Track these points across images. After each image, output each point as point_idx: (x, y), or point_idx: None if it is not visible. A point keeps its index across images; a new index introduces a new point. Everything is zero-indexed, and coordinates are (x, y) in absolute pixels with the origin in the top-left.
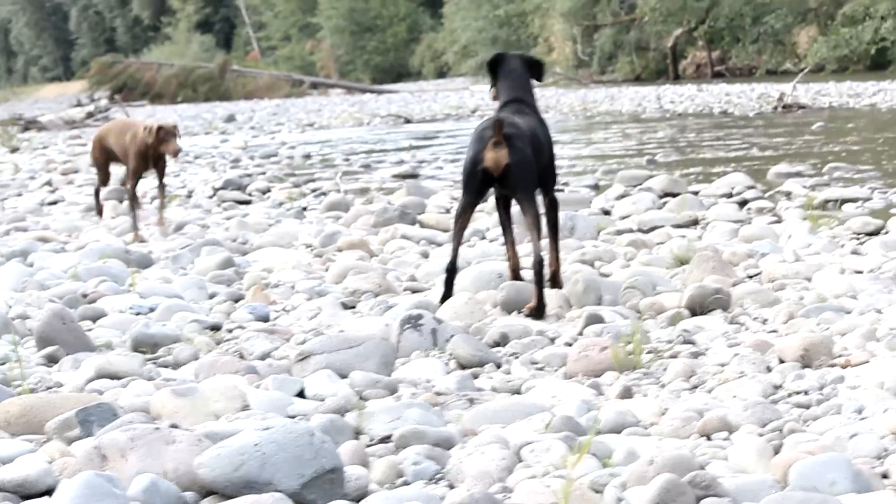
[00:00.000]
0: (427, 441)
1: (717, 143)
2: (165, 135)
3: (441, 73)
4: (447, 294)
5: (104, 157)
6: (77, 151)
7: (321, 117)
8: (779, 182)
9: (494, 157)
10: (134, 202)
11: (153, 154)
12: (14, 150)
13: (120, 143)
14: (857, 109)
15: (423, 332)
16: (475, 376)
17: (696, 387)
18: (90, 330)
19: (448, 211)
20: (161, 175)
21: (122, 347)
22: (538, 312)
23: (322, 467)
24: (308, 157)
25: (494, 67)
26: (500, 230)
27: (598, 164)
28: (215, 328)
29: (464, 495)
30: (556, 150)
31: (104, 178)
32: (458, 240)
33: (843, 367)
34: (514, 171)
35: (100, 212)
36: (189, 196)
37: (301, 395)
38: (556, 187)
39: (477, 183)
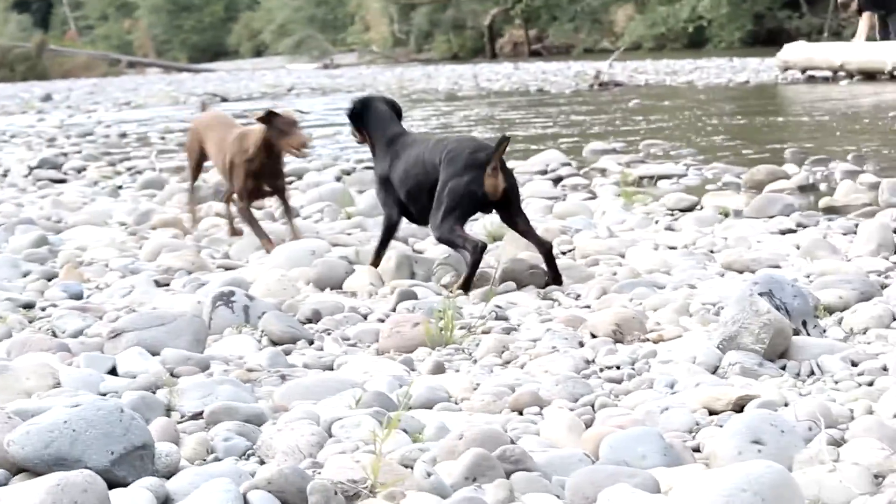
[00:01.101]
0: (238, 417)
1: (533, 120)
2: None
3: (258, 52)
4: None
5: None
6: None
7: (138, 96)
8: (594, 159)
9: (494, 182)
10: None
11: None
12: None
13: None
14: (673, 87)
15: (235, 308)
16: (287, 353)
17: (508, 362)
18: None
19: None
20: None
21: None
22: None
23: (132, 444)
24: (124, 135)
25: (361, 111)
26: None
27: None
28: (28, 306)
29: (273, 471)
30: None
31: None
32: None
33: (656, 342)
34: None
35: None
36: (4, 175)
37: (113, 372)
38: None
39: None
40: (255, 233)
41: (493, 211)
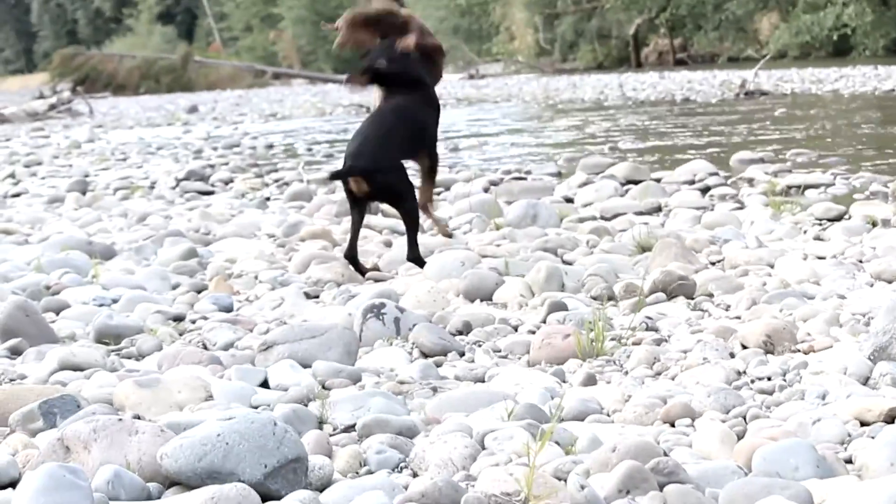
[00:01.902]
0: (390, 430)
1: (679, 130)
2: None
3: None
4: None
5: None
6: (40, 143)
7: (283, 107)
8: (741, 168)
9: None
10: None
11: None
12: None
13: None
14: (819, 95)
15: (385, 321)
16: (438, 365)
17: (659, 373)
18: (53, 322)
19: None
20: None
21: (85, 339)
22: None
23: (285, 457)
24: (270, 147)
25: None
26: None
27: (560, 152)
28: (178, 319)
29: (427, 483)
30: (519, 138)
31: None
32: None
33: (806, 352)
34: None
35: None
36: (152, 187)
37: (264, 385)
38: None
39: None
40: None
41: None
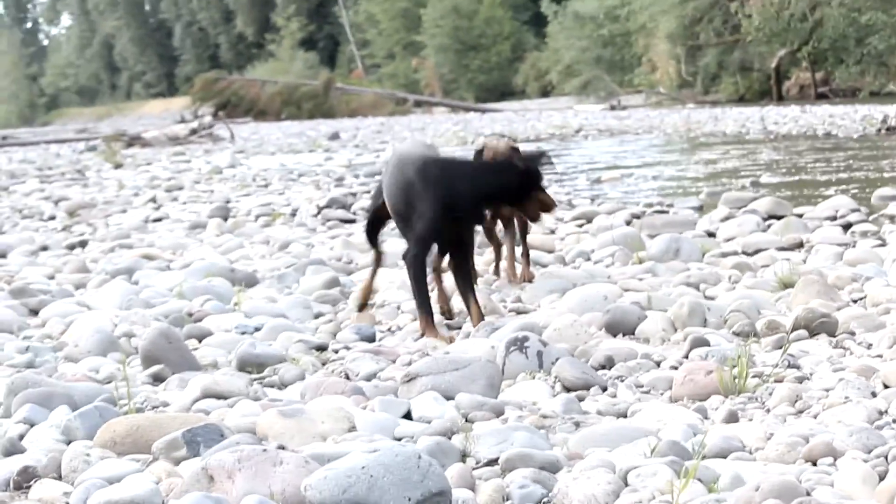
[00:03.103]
0: (533, 464)
1: (820, 165)
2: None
3: (545, 92)
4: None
5: None
6: (181, 168)
7: (425, 135)
8: (883, 205)
9: None
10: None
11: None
12: (118, 166)
13: None
14: None
15: (528, 354)
16: (581, 399)
17: (801, 412)
18: (196, 349)
19: (553, 232)
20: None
21: (227, 367)
22: None
23: (429, 490)
24: None
25: None
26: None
27: (702, 186)
28: (321, 348)
29: None
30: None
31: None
32: None
33: None
34: None
35: None
36: (293, 214)
37: (408, 416)
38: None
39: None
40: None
41: None
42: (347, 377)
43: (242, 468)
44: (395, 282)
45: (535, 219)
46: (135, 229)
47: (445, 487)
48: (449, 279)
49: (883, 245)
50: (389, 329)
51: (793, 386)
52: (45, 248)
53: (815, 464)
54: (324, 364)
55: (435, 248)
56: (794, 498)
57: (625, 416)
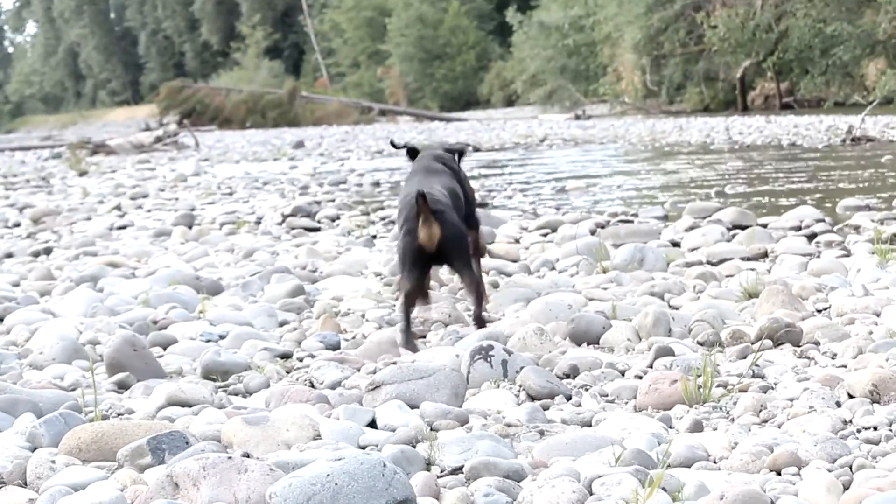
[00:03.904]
0: (498, 473)
1: (785, 175)
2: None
3: (510, 102)
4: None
5: None
6: (146, 176)
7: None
8: (847, 216)
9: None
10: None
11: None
12: (83, 173)
13: None
14: None
15: (493, 363)
16: (545, 408)
17: (765, 421)
18: (161, 356)
19: (517, 241)
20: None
21: (192, 375)
22: None
23: (394, 498)
24: (377, 184)
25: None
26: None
27: (667, 195)
28: (286, 356)
29: None
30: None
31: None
32: None
33: None
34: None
35: None
36: (258, 223)
37: (372, 425)
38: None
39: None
40: None
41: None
42: (312, 385)
43: (207, 475)
44: (359, 290)
45: None
46: (99, 237)
47: (410, 496)
48: None
49: (847, 255)
50: (353, 337)
51: (757, 395)
52: (9, 255)
53: (779, 473)
54: (288, 372)
55: None
56: None
57: (589, 425)
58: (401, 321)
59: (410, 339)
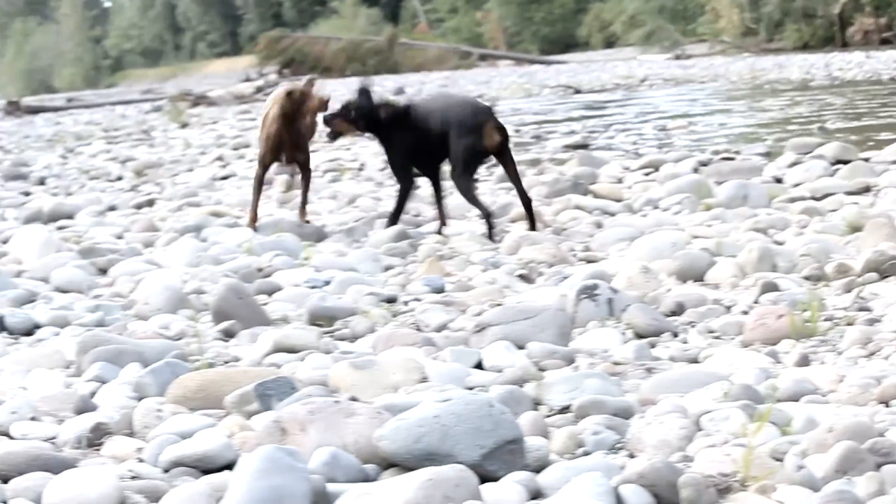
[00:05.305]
0: (606, 411)
1: (886, 109)
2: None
3: (609, 44)
4: None
5: None
6: (247, 126)
7: (490, 89)
8: None
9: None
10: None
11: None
12: (184, 125)
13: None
14: None
15: (599, 302)
16: (652, 345)
17: (872, 354)
18: (266, 304)
19: (620, 181)
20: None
21: (298, 321)
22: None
23: (502, 438)
24: None
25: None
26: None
27: (768, 132)
28: (391, 300)
29: (645, 464)
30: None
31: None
32: None
33: None
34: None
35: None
36: (360, 169)
37: (479, 366)
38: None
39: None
40: (252, 202)
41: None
42: (418, 328)
43: (315, 420)
44: (463, 233)
45: None
46: (202, 187)
47: (518, 435)
48: None
49: None
50: (459, 280)
51: (864, 328)
52: (112, 209)
53: (887, 405)
54: (394, 316)
55: None
56: (867, 439)
57: (696, 362)
58: (481, 207)
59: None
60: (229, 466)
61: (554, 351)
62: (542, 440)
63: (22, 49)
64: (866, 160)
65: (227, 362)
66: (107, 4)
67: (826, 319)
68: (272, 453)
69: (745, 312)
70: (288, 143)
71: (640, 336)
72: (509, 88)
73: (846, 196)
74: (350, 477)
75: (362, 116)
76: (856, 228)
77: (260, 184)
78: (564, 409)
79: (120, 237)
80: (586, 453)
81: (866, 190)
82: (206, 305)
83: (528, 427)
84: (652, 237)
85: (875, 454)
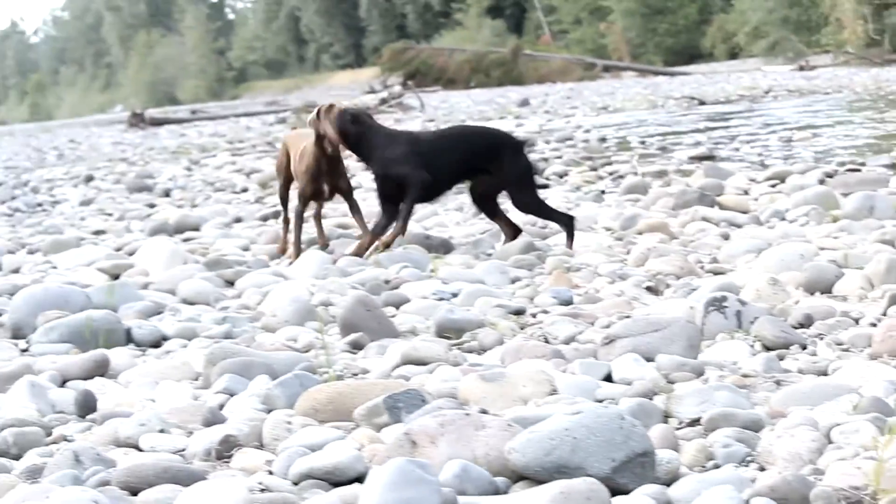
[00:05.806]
0: (736, 423)
1: None
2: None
3: (732, 54)
4: None
5: None
6: None
7: (615, 100)
8: None
9: None
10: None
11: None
12: None
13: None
14: None
15: (727, 314)
16: (781, 358)
17: None
18: (393, 316)
19: (746, 192)
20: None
21: (426, 333)
22: None
23: (633, 451)
24: (603, 140)
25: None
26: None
27: (894, 144)
28: (519, 312)
29: (776, 478)
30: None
31: None
32: None
33: None
34: None
35: None
36: None
37: (608, 378)
38: None
39: None
40: (295, 237)
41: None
42: (546, 341)
43: (445, 433)
44: (590, 245)
45: None
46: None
47: (649, 448)
48: None
49: None
50: (586, 292)
51: None
52: (238, 220)
53: None
54: (522, 328)
55: None
56: None
57: (825, 374)
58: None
59: None
60: (359, 479)
61: (683, 363)
62: (673, 453)
63: (146, 61)
64: None
65: (355, 374)
66: (231, 16)
67: None
68: (404, 466)
69: (874, 325)
70: (327, 172)
71: (768, 348)
72: (634, 100)
73: None
74: (481, 490)
75: None
76: None
77: (300, 218)
78: (694, 422)
79: (246, 249)
80: (717, 466)
81: None
82: (334, 317)
83: (659, 440)
84: (779, 249)
85: None
